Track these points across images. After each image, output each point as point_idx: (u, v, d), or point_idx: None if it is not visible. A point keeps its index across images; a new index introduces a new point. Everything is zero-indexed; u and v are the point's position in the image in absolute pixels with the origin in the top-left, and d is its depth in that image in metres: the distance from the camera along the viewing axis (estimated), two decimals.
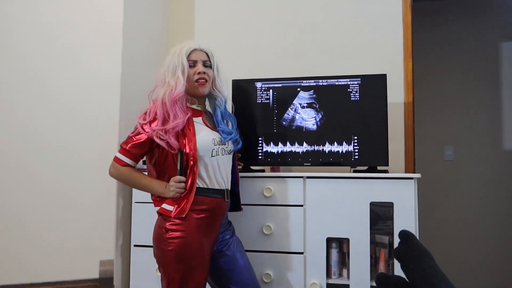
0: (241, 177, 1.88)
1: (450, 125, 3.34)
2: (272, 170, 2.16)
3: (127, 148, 1.59)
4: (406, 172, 2.23)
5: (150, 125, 1.56)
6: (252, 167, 2.04)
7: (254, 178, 1.90)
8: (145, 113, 1.60)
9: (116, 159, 1.60)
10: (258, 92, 2.03)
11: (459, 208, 3.28)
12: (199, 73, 1.63)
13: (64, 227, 2.00)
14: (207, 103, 1.75)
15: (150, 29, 2.38)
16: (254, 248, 1.86)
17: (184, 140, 1.55)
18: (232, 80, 2.06)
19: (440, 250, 3.18)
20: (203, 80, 1.63)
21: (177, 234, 1.52)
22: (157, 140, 1.54)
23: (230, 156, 1.69)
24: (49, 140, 2.05)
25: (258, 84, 2.04)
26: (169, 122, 1.54)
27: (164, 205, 1.57)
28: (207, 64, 1.66)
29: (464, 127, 3.32)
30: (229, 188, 1.68)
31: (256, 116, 2.02)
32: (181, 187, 1.53)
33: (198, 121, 1.63)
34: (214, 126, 1.68)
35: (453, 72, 3.37)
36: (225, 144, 1.65)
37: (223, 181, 1.63)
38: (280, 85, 2.02)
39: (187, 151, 1.54)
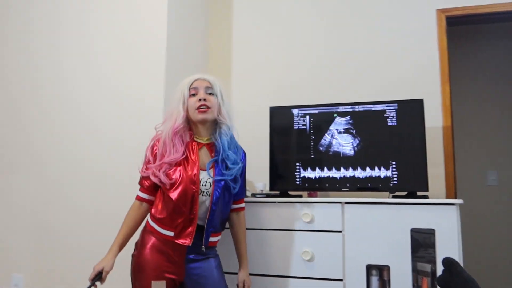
0: (279, 202, 1.92)
1: (492, 149, 3.26)
2: (310, 196, 2.17)
3: (139, 182, 1.67)
4: (447, 197, 2.20)
5: (146, 166, 1.63)
6: (290, 193, 2.07)
7: (291, 203, 1.92)
8: (148, 148, 1.67)
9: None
10: (295, 119, 2.08)
11: (504, 234, 3.16)
12: (200, 99, 1.62)
13: (102, 250, 2.08)
14: (213, 133, 1.71)
15: (191, 57, 2.50)
16: (292, 274, 1.88)
17: (179, 170, 1.59)
18: (270, 107, 2.13)
19: (484, 279, 3.06)
20: (204, 107, 1.62)
21: None
22: (152, 178, 1.59)
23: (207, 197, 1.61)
24: (91, 169, 2.18)
25: (295, 111, 2.09)
26: (167, 155, 1.59)
27: None
28: (210, 91, 1.66)
29: (507, 151, 3.23)
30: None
31: (293, 142, 2.06)
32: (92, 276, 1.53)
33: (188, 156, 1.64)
34: (207, 160, 1.64)
35: (493, 95, 3.32)
36: (205, 186, 1.60)
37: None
38: (316, 111, 2.07)
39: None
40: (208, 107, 1.63)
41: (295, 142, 2.06)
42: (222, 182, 1.61)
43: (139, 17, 2.23)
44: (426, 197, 1.87)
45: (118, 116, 2.19)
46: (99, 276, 1.53)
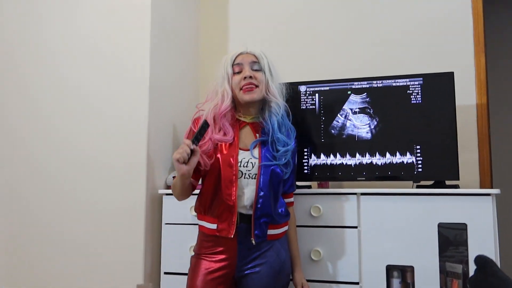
0: None
1: None
2: (320, 186, 2.15)
3: None
4: (481, 187, 2.17)
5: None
6: (297, 183, 2.03)
7: (299, 195, 1.90)
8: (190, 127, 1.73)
9: None
10: (302, 97, 2.05)
11: None
12: (245, 78, 1.67)
13: (90, 252, 2.10)
14: (261, 112, 1.76)
15: (178, 29, 2.47)
16: None
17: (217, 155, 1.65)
18: None
19: None
20: (251, 86, 1.67)
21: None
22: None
23: (253, 180, 1.64)
24: (76, 153, 2.18)
25: (302, 88, 2.05)
26: (216, 133, 1.64)
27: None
28: (256, 67, 1.70)
29: None
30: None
31: (300, 125, 2.01)
32: (182, 151, 1.47)
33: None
34: (250, 140, 1.69)
35: None
36: (246, 167, 1.65)
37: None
38: (327, 88, 2.03)
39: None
40: (255, 85, 1.66)
41: (303, 125, 2.03)
42: (271, 166, 1.64)
43: None
44: (456, 186, 1.85)
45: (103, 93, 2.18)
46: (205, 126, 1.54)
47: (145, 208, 2.03)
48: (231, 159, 1.63)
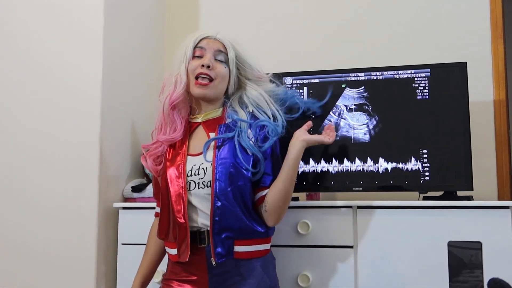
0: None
1: None
2: (309, 198, 2.18)
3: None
4: (499, 199, 2.21)
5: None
6: None
7: None
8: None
9: None
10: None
11: None
12: (202, 65, 1.67)
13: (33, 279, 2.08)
14: (221, 106, 1.78)
15: (139, 12, 2.48)
16: None
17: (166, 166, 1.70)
18: None
19: None
20: (204, 79, 1.67)
21: None
22: (143, 162, 1.76)
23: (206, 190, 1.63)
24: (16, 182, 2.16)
25: (288, 80, 2.07)
26: (163, 132, 1.70)
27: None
28: (220, 57, 1.71)
29: None
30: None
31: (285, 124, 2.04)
32: None
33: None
34: (203, 141, 1.68)
35: None
36: (198, 175, 1.63)
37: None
38: (317, 80, 2.05)
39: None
40: (210, 79, 1.67)
41: (288, 124, 2.00)
42: (227, 163, 1.60)
43: None
44: (470, 198, 1.87)
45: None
46: None
47: (96, 225, 2.02)
48: (178, 169, 1.64)
